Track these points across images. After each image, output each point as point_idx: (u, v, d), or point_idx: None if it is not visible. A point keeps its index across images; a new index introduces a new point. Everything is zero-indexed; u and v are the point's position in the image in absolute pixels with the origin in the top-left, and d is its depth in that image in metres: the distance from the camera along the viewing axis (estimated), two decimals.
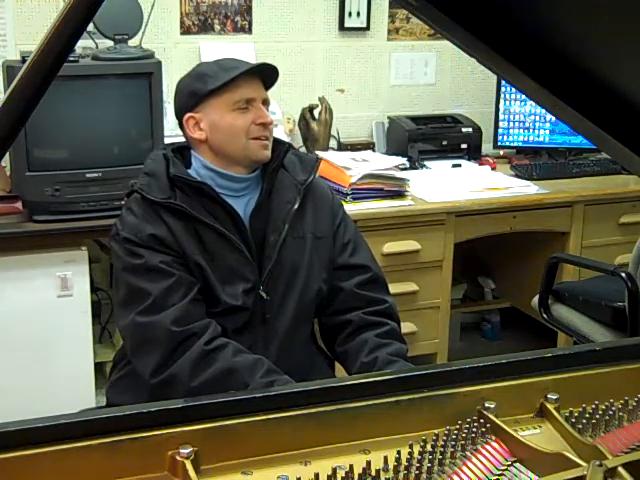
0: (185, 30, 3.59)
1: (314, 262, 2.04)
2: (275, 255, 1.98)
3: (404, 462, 1.25)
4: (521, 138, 4.03)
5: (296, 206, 2.02)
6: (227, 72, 1.96)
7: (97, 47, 3.10)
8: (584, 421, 1.38)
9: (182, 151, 2.06)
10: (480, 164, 3.85)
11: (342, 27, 3.84)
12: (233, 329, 1.96)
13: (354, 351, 2.01)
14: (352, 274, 2.08)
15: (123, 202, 2.03)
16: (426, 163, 3.79)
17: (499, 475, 1.26)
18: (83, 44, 3.09)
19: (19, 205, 2.89)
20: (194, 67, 2.08)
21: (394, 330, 2.06)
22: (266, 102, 2.03)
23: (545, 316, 3.19)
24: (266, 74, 2.02)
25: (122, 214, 1.99)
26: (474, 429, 1.32)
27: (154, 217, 1.93)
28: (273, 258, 1.98)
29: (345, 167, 3.25)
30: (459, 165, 3.81)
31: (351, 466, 1.22)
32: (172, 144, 2.10)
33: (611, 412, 1.39)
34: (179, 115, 2.04)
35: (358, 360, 1.99)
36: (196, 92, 1.99)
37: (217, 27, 3.63)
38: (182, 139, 2.08)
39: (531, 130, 4.01)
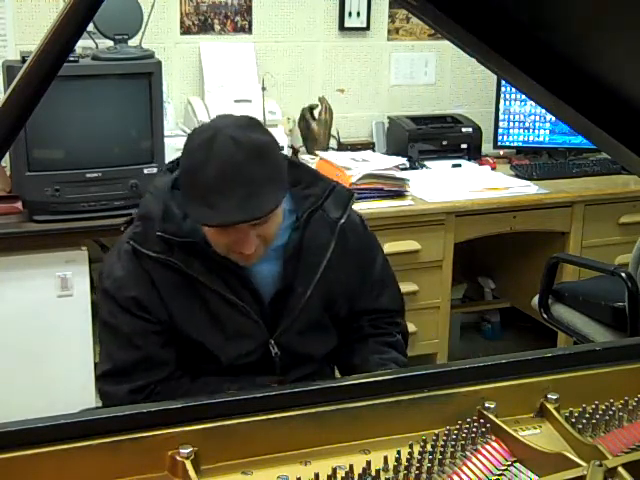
0: (185, 30, 3.59)
1: (338, 314, 1.88)
2: (298, 310, 1.77)
3: (404, 462, 1.25)
4: (521, 138, 4.02)
5: (329, 254, 1.79)
6: (213, 211, 1.56)
7: (97, 47, 3.10)
8: (584, 421, 1.38)
9: None
10: (480, 164, 3.85)
11: (342, 27, 3.84)
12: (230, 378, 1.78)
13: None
14: (374, 316, 1.94)
15: (122, 229, 1.79)
16: (426, 163, 3.78)
17: (499, 475, 1.26)
18: (83, 44, 3.09)
19: (19, 205, 2.89)
20: (197, 141, 1.62)
21: (398, 342, 1.95)
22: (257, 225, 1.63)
23: (545, 316, 3.19)
24: None
25: (112, 256, 1.76)
26: (474, 429, 1.32)
27: (143, 276, 1.69)
28: (295, 312, 1.77)
29: (345, 167, 3.25)
30: (459, 165, 3.80)
31: (351, 466, 1.23)
32: (176, 163, 1.78)
33: (611, 412, 1.39)
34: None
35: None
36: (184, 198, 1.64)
37: (217, 27, 3.63)
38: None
39: (531, 130, 4.01)
